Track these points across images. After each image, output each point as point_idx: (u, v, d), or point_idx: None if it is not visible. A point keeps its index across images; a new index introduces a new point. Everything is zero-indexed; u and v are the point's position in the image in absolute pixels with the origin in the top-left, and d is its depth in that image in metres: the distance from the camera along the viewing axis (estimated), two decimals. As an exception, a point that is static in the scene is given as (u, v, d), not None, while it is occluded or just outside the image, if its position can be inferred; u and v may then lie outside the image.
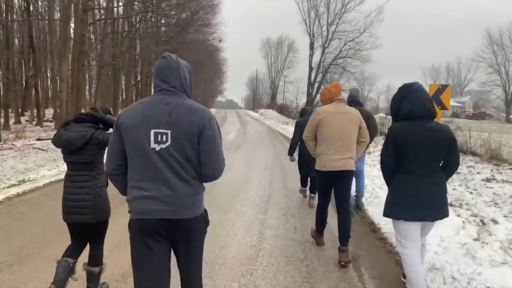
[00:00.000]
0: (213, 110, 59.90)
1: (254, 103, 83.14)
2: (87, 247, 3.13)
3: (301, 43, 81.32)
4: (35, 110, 24.76)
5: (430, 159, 3.04)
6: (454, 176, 8.82)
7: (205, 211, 2.20)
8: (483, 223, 4.99)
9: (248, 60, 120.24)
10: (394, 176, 3.17)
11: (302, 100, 69.44)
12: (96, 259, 3.08)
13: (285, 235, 4.77)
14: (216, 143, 2.07)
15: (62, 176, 8.25)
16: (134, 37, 27.02)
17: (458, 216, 5.33)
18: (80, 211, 2.92)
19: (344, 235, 4.03)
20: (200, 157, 2.05)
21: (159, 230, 2.03)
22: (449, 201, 6.36)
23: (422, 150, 3.00)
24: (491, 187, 7.41)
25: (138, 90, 36.21)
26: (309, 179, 6.49)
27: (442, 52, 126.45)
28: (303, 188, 6.80)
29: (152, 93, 2.16)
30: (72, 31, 17.82)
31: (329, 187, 4.20)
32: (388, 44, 72.38)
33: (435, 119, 3.16)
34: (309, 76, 52.32)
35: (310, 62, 52.41)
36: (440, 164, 3.12)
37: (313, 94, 50.31)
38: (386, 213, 3.21)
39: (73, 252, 3.05)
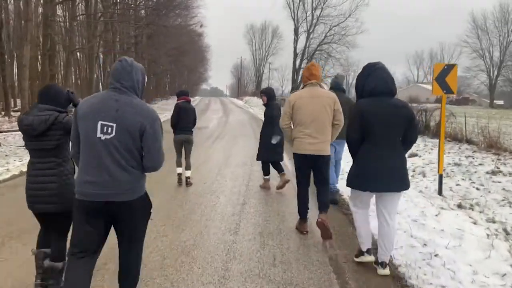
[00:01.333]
0: (197, 98, 58.32)
1: (239, 90, 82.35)
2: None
3: (285, 29, 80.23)
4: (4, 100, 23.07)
5: (392, 133, 3.23)
6: (455, 168, 8.05)
7: (146, 193, 2.46)
8: (507, 233, 4.15)
9: (233, 48, 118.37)
10: (359, 150, 3.32)
11: (288, 87, 68.79)
12: (60, 253, 2.89)
13: (260, 271, 3.41)
14: (157, 141, 2.36)
15: (7, 176, 7.17)
16: (110, 20, 25.49)
17: (475, 224, 4.45)
18: (45, 200, 2.79)
19: (323, 205, 4.24)
20: (142, 151, 2.34)
21: (99, 210, 2.29)
22: (457, 201, 5.45)
23: (384, 124, 3.18)
24: (499, 181, 6.63)
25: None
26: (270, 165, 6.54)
27: (426, 39, 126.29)
28: (266, 178, 6.59)
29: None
30: (40, 11, 16.28)
31: (306, 169, 4.34)
32: (372, 30, 71.15)
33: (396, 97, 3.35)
34: (294, 62, 51.33)
35: (295, 48, 51.37)
36: (400, 139, 3.30)
37: (298, 81, 49.29)
38: (350, 184, 3.39)
39: (46, 241, 2.92)
